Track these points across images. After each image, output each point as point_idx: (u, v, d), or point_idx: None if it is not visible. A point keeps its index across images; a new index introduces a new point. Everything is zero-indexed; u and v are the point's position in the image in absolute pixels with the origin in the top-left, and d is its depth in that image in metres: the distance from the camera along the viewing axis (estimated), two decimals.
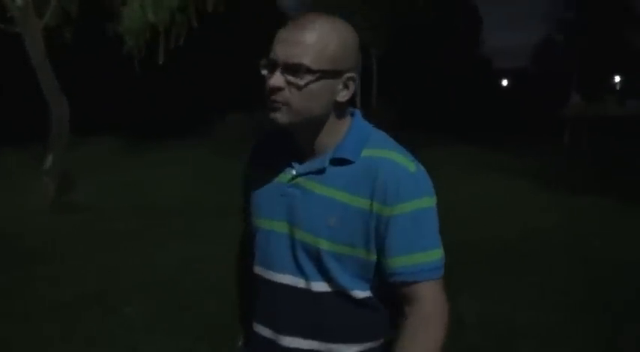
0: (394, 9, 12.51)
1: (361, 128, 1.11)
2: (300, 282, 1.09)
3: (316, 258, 1.06)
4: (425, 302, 1.04)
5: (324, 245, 1.05)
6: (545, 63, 31.48)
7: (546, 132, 16.36)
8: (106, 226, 5.91)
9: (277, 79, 1.01)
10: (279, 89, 1.01)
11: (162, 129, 14.65)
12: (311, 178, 1.08)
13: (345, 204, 1.04)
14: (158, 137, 13.63)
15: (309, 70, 0.99)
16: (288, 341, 1.10)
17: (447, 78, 26.16)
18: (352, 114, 1.13)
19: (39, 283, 4.13)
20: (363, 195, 1.04)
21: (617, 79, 28.12)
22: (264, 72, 1.03)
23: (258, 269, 1.16)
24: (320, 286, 1.07)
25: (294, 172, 1.10)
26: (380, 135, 1.12)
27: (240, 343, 1.32)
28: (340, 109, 1.08)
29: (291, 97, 1.01)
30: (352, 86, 1.06)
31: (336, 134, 1.08)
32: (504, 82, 37.15)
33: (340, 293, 1.07)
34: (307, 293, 1.08)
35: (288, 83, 1.01)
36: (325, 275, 1.07)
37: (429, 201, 1.05)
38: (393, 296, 1.08)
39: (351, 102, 1.10)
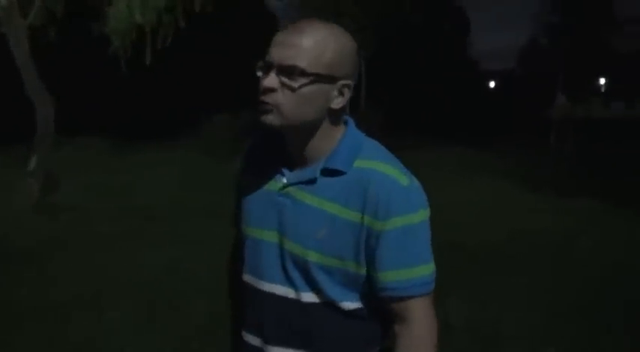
0: (382, 11, 12.54)
1: (354, 138, 1.09)
2: (289, 293, 1.07)
3: (305, 270, 1.05)
4: (414, 322, 1.04)
5: (312, 257, 1.04)
6: (532, 65, 31.79)
7: (533, 133, 16.51)
8: (91, 228, 5.84)
9: (271, 80, 1.00)
10: (271, 90, 1.00)
11: (148, 130, 14.54)
12: (302, 188, 1.06)
13: (335, 216, 1.03)
14: (144, 138, 13.52)
15: (303, 73, 0.98)
16: (277, 351, 1.09)
17: (435, 79, 26.28)
18: (346, 123, 1.11)
19: (22, 286, 4.06)
20: (354, 207, 1.02)
21: (602, 81, 28.50)
22: (259, 74, 1.02)
23: (247, 278, 1.15)
24: (309, 297, 1.06)
25: (284, 180, 1.08)
26: (373, 145, 1.10)
27: None
28: (334, 117, 1.06)
29: (283, 99, 1.00)
30: (347, 94, 1.04)
31: (329, 142, 1.07)
32: (492, 84, 37.46)
33: (329, 305, 1.06)
34: (296, 303, 1.07)
35: (282, 85, 0.99)
36: (314, 287, 1.06)
37: (422, 215, 1.04)
38: (383, 308, 1.07)
39: (344, 110, 1.07)
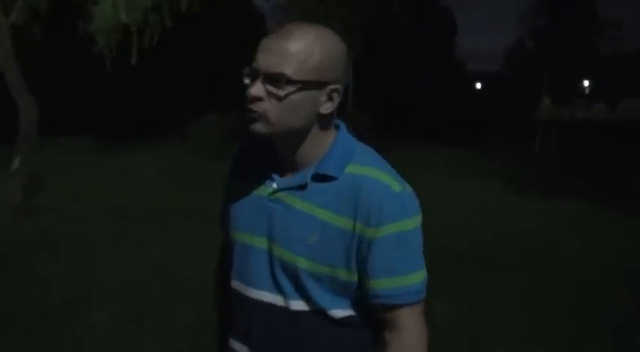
0: (370, 12, 12.56)
1: (346, 142, 1.07)
2: (278, 300, 1.06)
3: (294, 277, 1.03)
4: (405, 330, 1.03)
5: (302, 264, 1.02)
6: (517, 67, 32.11)
7: (518, 134, 16.67)
8: (75, 230, 5.77)
9: (257, 89, 0.98)
10: (258, 99, 0.98)
11: (134, 130, 14.42)
12: (292, 193, 1.04)
13: (326, 222, 1.01)
14: (130, 138, 13.41)
15: (289, 81, 0.96)
16: None
17: (422, 80, 26.42)
18: (337, 127, 1.09)
19: (4, 288, 3.99)
20: (346, 214, 1.00)
21: (586, 83, 28.91)
22: (247, 81, 1.00)
23: (235, 284, 1.13)
24: (298, 305, 1.04)
25: (274, 186, 1.06)
26: (365, 150, 1.08)
27: None
28: (323, 122, 1.04)
29: (270, 108, 0.98)
30: (337, 98, 1.02)
31: (320, 147, 1.05)
32: (478, 85, 37.76)
33: (319, 313, 1.04)
34: (285, 311, 1.05)
35: (269, 93, 0.97)
36: (304, 294, 1.04)
37: (414, 222, 1.02)
38: (374, 315, 1.06)
39: (334, 114, 1.06)
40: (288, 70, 0.96)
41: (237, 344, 1.13)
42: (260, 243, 1.07)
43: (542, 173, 10.29)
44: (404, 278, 1.01)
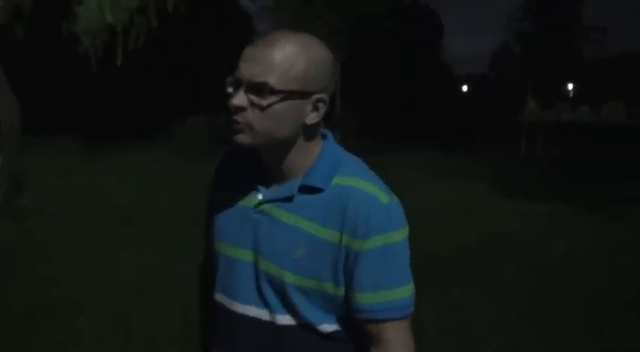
0: (358, 14, 12.58)
1: (333, 153, 1.05)
2: (263, 314, 1.03)
3: (281, 291, 1.01)
4: (391, 345, 1.00)
5: (289, 278, 0.99)
6: (503, 70, 32.42)
7: (504, 137, 16.81)
8: (59, 233, 5.68)
9: (239, 99, 0.95)
10: (241, 109, 0.95)
11: (121, 131, 14.28)
12: (278, 205, 1.02)
13: (313, 235, 0.99)
14: (117, 139, 13.28)
15: (272, 91, 0.93)
16: None
17: (409, 83, 26.55)
18: (324, 137, 1.07)
19: None
20: (332, 226, 0.98)
21: (570, 86, 29.30)
22: (230, 90, 0.97)
23: (219, 298, 1.10)
24: (285, 319, 1.02)
25: (260, 197, 1.04)
26: (352, 161, 1.06)
27: None
28: (309, 132, 1.01)
29: (253, 118, 0.95)
30: (322, 108, 0.99)
31: (306, 158, 1.02)
32: (464, 88, 38.04)
33: (306, 327, 1.02)
34: (271, 326, 1.02)
35: (252, 103, 0.95)
36: (290, 309, 1.01)
37: (401, 235, 1.00)
38: (361, 330, 1.04)
39: (320, 124, 1.03)
40: (272, 80, 0.93)
41: None
42: (245, 255, 1.05)
43: (528, 175, 10.38)
44: (390, 293, 0.99)
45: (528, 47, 18.36)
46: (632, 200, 8.06)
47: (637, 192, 8.65)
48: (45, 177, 8.57)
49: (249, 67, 0.95)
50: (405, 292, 1.00)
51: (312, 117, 0.99)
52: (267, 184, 1.05)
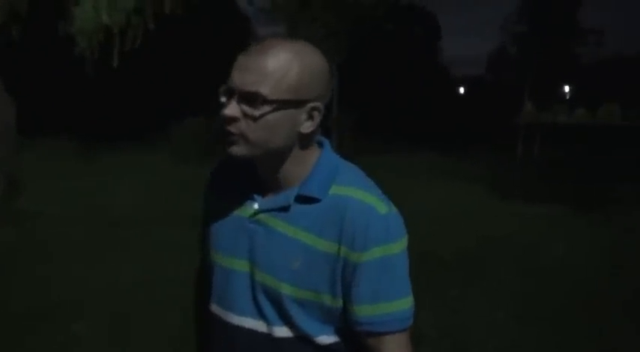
0: (355, 16, 12.59)
1: (330, 162, 1.03)
2: (260, 326, 1.01)
3: (277, 302, 0.99)
4: None
5: (286, 289, 0.98)
6: (500, 72, 32.50)
7: (501, 139, 16.84)
8: (57, 234, 5.65)
9: (232, 109, 0.93)
10: (234, 119, 0.93)
11: (118, 133, 14.25)
12: (274, 215, 1.00)
13: (310, 246, 0.97)
14: (113, 140, 13.24)
15: (265, 100, 0.92)
16: None
17: (406, 85, 26.58)
18: (321, 145, 1.05)
19: None
20: (330, 237, 0.96)
21: (567, 88, 29.40)
22: (223, 99, 0.95)
23: (215, 309, 1.08)
24: (282, 331, 1.00)
25: (255, 206, 1.02)
26: (350, 169, 1.04)
27: None
28: (305, 141, 0.99)
29: (247, 129, 0.93)
30: (317, 117, 0.97)
31: (302, 167, 1.01)
32: (461, 90, 38.11)
33: (303, 339, 1.00)
34: (267, 337, 1.01)
35: (244, 114, 0.93)
36: (287, 320, 1.00)
37: (400, 246, 0.98)
38: (359, 342, 1.02)
39: (316, 133, 1.01)
40: (264, 89, 0.91)
41: None
42: (241, 266, 1.03)
43: (525, 177, 10.39)
44: (389, 305, 0.97)
45: (525, 49, 18.41)
46: (628, 201, 8.08)
47: (633, 194, 8.67)
48: (41, 178, 8.53)
49: (242, 76, 0.93)
50: (404, 304, 0.99)
51: (307, 126, 0.97)
52: (263, 193, 1.03)
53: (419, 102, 26.49)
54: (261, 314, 1.01)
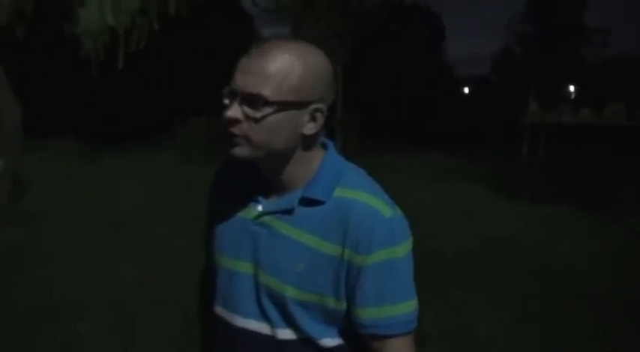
0: (359, 16, 12.57)
1: (334, 164, 1.02)
2: (264, 328, 1.02)
3: (281, 305, 0.99)
4: None
5: (290, 292, 0.98)
6: (505, 72, 32.41)
7: (506, 139, 16.79)
8: (61, 235, 5.68)
9: (234, 111, 0.93)
10: (236, 121, 0.94)
11: (121, 133, 14.28)
12: (278, 218, 1.00)
13: (315, 249, 0.97)
14: (118, 141, 13.28)
15: (267, 102, 0.92)
16: None
17: (411, 85, 26.54)
18: (325, 147, 1.05)
19: None
20: (334, 240, 0.96)
21: (572, 88, 29.31)
22: (226, 101, 0.96)
23: (219, 310, 1.09)
24: (285, 334, 1.01)
25: (259, 208, 1.02)
26: (354, 172, 1.04)
27: None
28: (308, 142, 0.99)
29: (249, 130, 0.93)
30: (320, 118, 0.97)
31: (306, 169, 1.00)
32: (466, 90, 38.01)
33: (307, 342, 1.00)
34: (271, 340, 1.01)
35: (246, 116, 0.93)
36: (291, 323, 1.00)
37: (404, 249, 0.98)
38: (363, 345, 1.02)
39: (319, 134, 1.01)
40: (266, 91, 0.92)
41: None
42: (245, 268, 1.03)
43: (531, 177, 10.35)
44: (393, 308, 0.97)
45: (530, 49, 18.35)
46: (634, 202, 8.04)
47: (639, 194, 8.62)
48: (47, 178, 8.57)
49: (244, 78, 0.93)
50: (408, 307, 0.98)
51: (310, 128, 0.97)
52: (267, 195, 1.03)
53: (423, 103, 26.44)
54: (265, 317, 1.01)
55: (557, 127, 16.80)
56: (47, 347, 3.17)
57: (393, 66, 25.97)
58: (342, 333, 1.02)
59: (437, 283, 4.22)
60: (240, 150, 0.95)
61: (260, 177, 1.04)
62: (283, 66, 0.93)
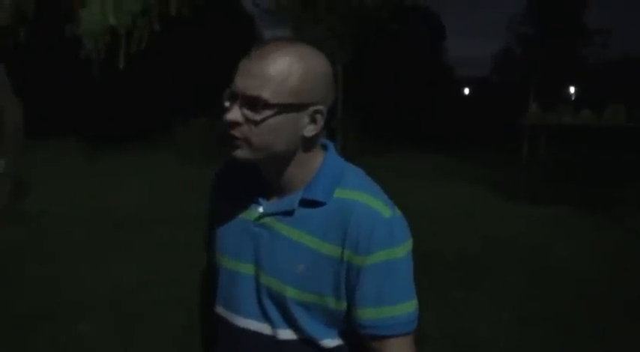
0: (359, 17, 12.57)
1: (334, 165, 1.03)
2: (265, 328, 1.03)
3: (282, 305, 1.00)
4: None
5: (290, 293, 0.99)
6: (505, 73, 32.39)
7: (506, 140, 16.78)
8: (62, 235, 5.69)
9: (234, 114, 0.94)
10: (236, 124, 0.95)
11: (122, 134, 14.29)
12: (279, 219, 1.01)
13: (315, 250, 0.98)
14: (118, 141, 13.28)
15: (266, 104, 0.92)
16: None
17: (411, 86, 26.55)
18: (325, 148, 1.06)
19: None
20: (334, 241, 0.97)
21: (573, 89, 29.29)
22: (227, 104, 0.97)
23: (221, 311, 1.10)
24: (286, 334, 1.01)
25: (260, 210, 1.03)
26: (354, 173, 1.04)
27: None
28: (308, 144, 1.00)
29: (249, 133, 0.94)
30: (320, 120, 0.98)
31: (306, 170, 1.01)
32: (466, 90, 37.98)
33: (308, 342, 1.01)
34: (272, 340, 1.02)
35: (246, 118, 0.94)
36: (292, 323, 1.01)
37: (404, 250, 0.99)
38: (363, 345, 1.03)
39: (319, 136, 1.02)
40: (266, 94, 0.92)
41: None
42: (246, 269, 1.04)
43: (531, 178, 10.35)
44: (392, 309, 0.98)
45: (530, 50, 18.34)
46: (634, 202, 8.04)
47: (639, 195, 8.62)
48: (48, 178, 8.58)
49: (244, 81, 0.94)
50: (407, 308, 0.99)
51: (310, 130, 0.98)
52: (267, 196, 1.04)
53: (424, 103, 26.44)
54: (266, 317, 1.02)
55: (558, 128, 16.77)
56: (48, 347, 3.18)
57: (393, 66, 25.97)
58: (342, 334, 1.03)
59: (437, 284, 4.23)
60: (241, 153, 0.96)
61: (260, 178, 1.05)
62: (283, 68, 0.93)
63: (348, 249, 0.96)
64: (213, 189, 1.17)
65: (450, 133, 19.52)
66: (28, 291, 4.05)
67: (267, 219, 1.02)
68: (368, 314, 0.98)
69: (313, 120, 0.98)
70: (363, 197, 0.99)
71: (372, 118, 16.34)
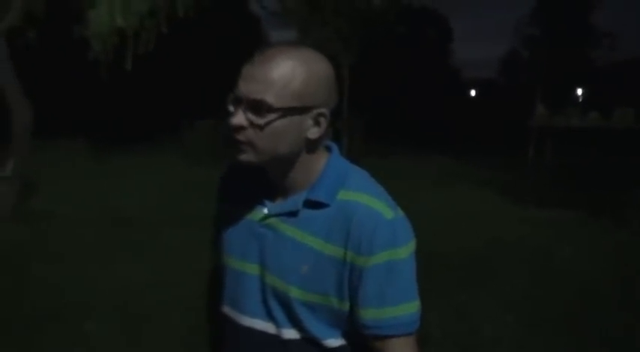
0: (366, 20, 12.58)
1: (338, 167, 1.05)
2: (269, 328, 1.04)
3: (286, 305, 1.02)
4: None
5: (294, 293, 1.00)
6: (512, 75, 32.31)
7: (512, 142, 16.72)
8: (70, 235, 5.73)
9: (239, 118, 0.96)
10: (241, 128, 0.96)
11: (130, 135, 14.37)
12: (284, 220, 1.03)
13: (318, 251, 1.00)
14: (126, 142, 13.35)
15: (270, 108, 0.94)
16: None
17: (418, 88, 26.52)
18: (329, 150, 1.07)
19: None
20: (337, 242, 0.99)
21: (580, 92, 29.17)
22: (231, 108, 0.98)
23: (227, 310, 1.12)
24: (290, 333, 1.03)
25: (265, 211, 1.05)
26: (358, 174, 1.06)
27: None
28: (312, 146, 1.02)
29: (254, 136, 0.96)
30: (324, 123, 0.99)
31: (311, 172, 1.03)
32: (473, 93, 37.88)
33: (311, 341, 1.03)
34: (277, 339, 1.03)
35: (251, 122, 0.96)
36: (296, 323, 1.02)
37: (406, 251, 1.00)
38: (366, 345, 1.04)
39: (323, 138, 1.03)
40: (269, 98, 0.94)
41: None
42: (252, 269, 1.06)
43: (538, 181, 10.30)
44: (395, 309, 0.99)
45: (537, 52, 18.30)
46: None
47: None
48: (55, 179, 8.64)
49: (248, 85, 0.95)
50: (410, 308, 1.00)
51: (314, 132, 0.99)
52: (272, 198, 1.06)
53: (430, 105, 26.41)
54: (271, 317, 1.04)
55: (565, 130, 16.69)
56: (54, 347, 3.20)
57: (399, 68, 25.95)
58: (345, 334, 1.04)
59: (441, 285, 4.23)
60: (246, 156, 0.98)
61: (265, 180, 1.06)
62: (286, 72, 0.95)
63: (350, 250, 0.97)
64: (218, 192, 1.19)
65: (456, 135, 19.47)
66: (34, 291, 4.08)
67: (271, 220, 1.04)
68: (370, 314, 0.99)
69: (317, 123, 1.00)
70: (365, 198, 1.00)
71: (377, 120, 16.35)
